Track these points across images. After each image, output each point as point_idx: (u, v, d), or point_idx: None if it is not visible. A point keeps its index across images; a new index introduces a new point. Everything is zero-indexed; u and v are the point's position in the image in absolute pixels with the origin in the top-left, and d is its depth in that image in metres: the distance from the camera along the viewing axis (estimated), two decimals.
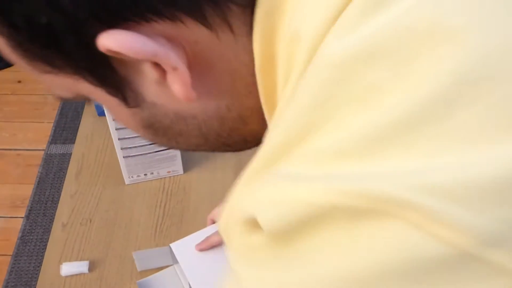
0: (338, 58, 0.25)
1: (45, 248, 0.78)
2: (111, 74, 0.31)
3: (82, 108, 0.97)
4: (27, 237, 0.81)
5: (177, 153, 0.82)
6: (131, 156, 0.80)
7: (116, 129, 0.75)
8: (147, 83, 0.31)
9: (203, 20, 0.28)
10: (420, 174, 0.22)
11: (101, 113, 0.93)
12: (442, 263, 0.22)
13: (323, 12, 0.26)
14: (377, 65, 0.24)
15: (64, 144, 0.93)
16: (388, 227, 0.22)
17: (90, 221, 0.81)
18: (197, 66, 0.30)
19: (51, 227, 0.80)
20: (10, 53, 0.31)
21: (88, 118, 0.95)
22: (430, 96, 0.23)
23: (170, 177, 0.86)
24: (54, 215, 0.82)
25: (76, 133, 0.93)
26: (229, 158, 0.88)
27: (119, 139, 0.77)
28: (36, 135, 1.82)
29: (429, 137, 0.22)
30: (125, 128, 0.76)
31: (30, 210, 0.84)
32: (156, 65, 0.29)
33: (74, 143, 0.92)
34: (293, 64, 0.28)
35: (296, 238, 0.23)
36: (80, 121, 0.95)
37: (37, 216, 0.83)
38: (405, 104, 0.23)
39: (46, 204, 0.84)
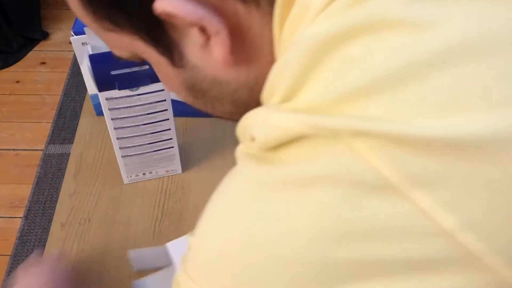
0: (320, 36, 0.30)
1: (44, 248, 0.78)
2: (163, 36, 0.36)
3: (81, 108, 0.97)
4: (25, 237, 0.81)
5: (175, 153, 0.82)
6: (130, 155, 0.80)
7: (115, 128, 0.75)
8: (192, 46, 0.37)
9: None
10: (371, 121, 0.28)
11: (100, 113, 0.93)
12: (369, 186, 0.28)
13: None
14: (351, 43, 0.30)
15: (63, 144, 0.93)
16: (337, 150, 0.28)
17: (89, 220, 0.81)
18: (234, 35, 0.35)
19: (50, 227, 0.80)
20: (82, 13, 0.37)
21: (86, 118, 0.95)
22: (386, 70, 0.28)
23: (168, 176, 0.86)
24: (53, 215, 0.82)
25: (75, 133, 0.93)
26: (228, 158, 0.88)
27: (117, 138, 0.77)
28: (35, 135, 1.81)
29: (387, 99, 0.28)
30: (123, 127, 0.76)
31: (28, 210, 0.84)
32: (202, 30, 0.35)
33: (72, 143, 0.92)
34: (298, 29, 0.33)
35: (274, 151, 0.31)
36: (78, 121, 0.95)
37: (36, 216, 0.83)
38: (370, 73, 0.29)
39: (44, 204, 0.84)
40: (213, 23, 0.34)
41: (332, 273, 0.29)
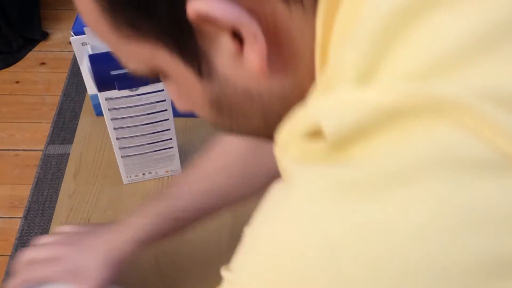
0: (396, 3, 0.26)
1: None
2: (191, 43, 0.33)
3: (80, 108, 0.97)
4: (25, 238, 0.81)
5: (175, 153, 0.82)
6: (129, 155, 0.80)
7: (114, 128, 0.75)
8: (223, 56, 0.33)
9: None
10: (484, 83, 0.24)
11: (99, 113, 0.93)
12: (485, 166, 0.23)
13: None
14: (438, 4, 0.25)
15: (62, 144, 0.93)
16: (441, 127, 0.24)
17: (88, 221, 0.81)
18: (271, 39, 0.32)
19: (49, 227, 0.80)
20: (97, 19, 0.33)
21: (86, 118, 0.95)
22: (491, 24, 0.24)
23: (168, 176, 0.86)
24: (52, 215, 0.82)
25: (74, 133, 0.93)
26: None
27: (117, 138, 0.77)
28: (34, 135, 1.81)
29: (498, 56, 0.24)
30: (123, 127, 0.76)
31: (28, 211, 0.84)
32: (235, 37, 0.31)
33: (72, 143, 0.91)
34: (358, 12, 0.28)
35: (356, 143, 0.25)
36: (78, 121, 0.95)
37: (35, 217, 0.83)
38: (471, 30, 0.24)
39: (44, 204, 0.84)
40: (250, 26, 0.30)
41: (451, 283, 0.24)
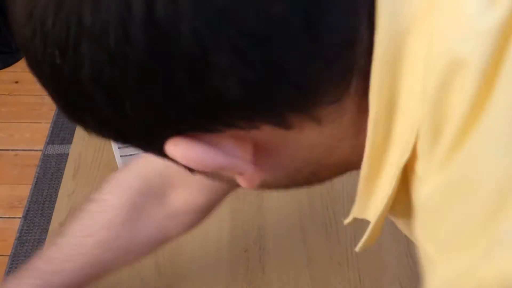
0: None
1: (43, 248, 0.78)
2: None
3: None
4: (24, 238, 0.81)
5: None
6: (129, 155, 0.80)
7: None
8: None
9: (284, 124, 0.27)
10: None
11: None
12: None
13: (492, 27, 0.23)
14: None
15: (62, 144, 0.93)
16: None
17: None
18: (266, 155, 0.29)
19: (49, 227, 0.80)
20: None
21: None
22: None
23: None
24: (52, 215, 0.82)
25: (74, 133, 0.93)
26: None
27: None
28: (34, 135, 1.81)
29: None
30: None
31: (27, 211, 0.84)
32: None
33: (71, 143, 0.91)
34: (456, 97, 0.24)
35: None
36: None
37: (35, 216, 0.83)
38: None
39: (43, 204, 0.84)
40: (235, 168, 0.28)
41: None
